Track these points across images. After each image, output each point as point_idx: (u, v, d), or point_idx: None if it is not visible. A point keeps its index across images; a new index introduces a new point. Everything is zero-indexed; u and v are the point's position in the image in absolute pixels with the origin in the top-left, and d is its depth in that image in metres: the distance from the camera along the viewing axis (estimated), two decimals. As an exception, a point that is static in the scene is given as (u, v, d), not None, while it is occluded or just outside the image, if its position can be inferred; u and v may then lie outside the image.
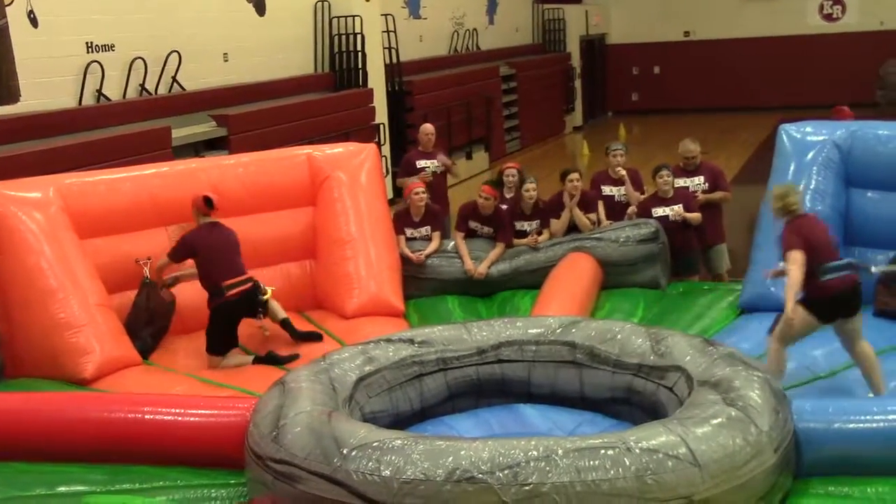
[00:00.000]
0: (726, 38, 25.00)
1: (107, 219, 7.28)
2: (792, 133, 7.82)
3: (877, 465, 4.68)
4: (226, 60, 12.53)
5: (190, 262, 7.13)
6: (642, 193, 8.57)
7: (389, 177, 13.14)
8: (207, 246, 6.95)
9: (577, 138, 22.08)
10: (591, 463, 4.07)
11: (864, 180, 7.52)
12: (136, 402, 5.45)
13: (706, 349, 5.24)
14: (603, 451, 4.12)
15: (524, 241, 8.32)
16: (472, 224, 8.43)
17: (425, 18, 18.25)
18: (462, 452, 4.15)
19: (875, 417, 4.75)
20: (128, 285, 7.16)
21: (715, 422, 4.40)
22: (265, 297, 7.08)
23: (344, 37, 14.48)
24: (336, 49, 14.53)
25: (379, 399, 5.42)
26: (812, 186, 7.47)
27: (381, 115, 14.77)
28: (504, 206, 8.51)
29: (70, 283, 6.76)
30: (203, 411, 5.33)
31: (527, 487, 4.01)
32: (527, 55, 22.07)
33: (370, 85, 14.58)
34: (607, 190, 8.64)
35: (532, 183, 8.36)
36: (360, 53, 14.44)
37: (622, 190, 8.56)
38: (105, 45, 10.49)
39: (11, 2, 9.09)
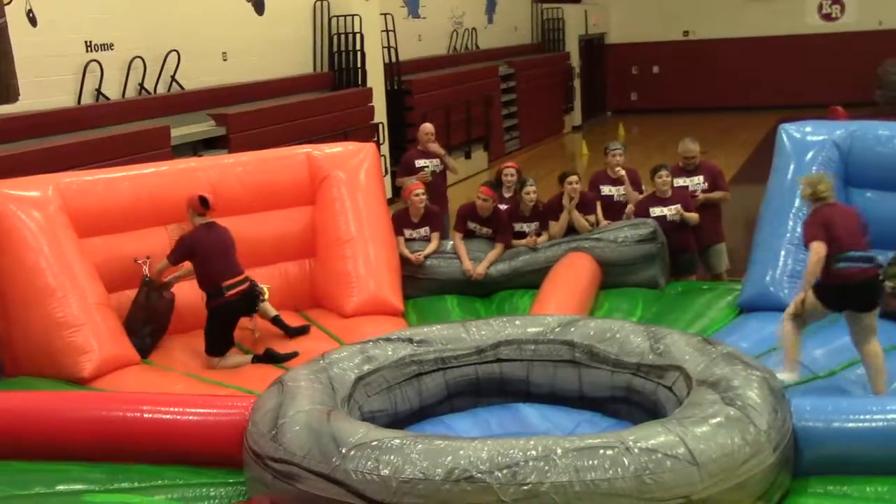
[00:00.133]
0: (725, 38, 25.01)
1: (106, 218, 7.28)
2: (791, 133, 7.82)
3: (875, 465, 4.68)
4: (225, 60, 12.53)
5: (186, 262, 7.12)
6: (641, 193, 8.58)
7: (388, 176, 13.14)
8: (206, 247, 6.94)
9: (576, 138, 22.08)
10: (590, 463, 4.07)
11: (864, 180, 7.52)
12: (135, 401, 5.44)
13: (705, 348, 5.24)
14: (602, 451, 4.12)
15: (523, 241, 8.32)
16: (471, 225, 8.43)
17: (424, 18, 18.25)
18: (461, 452, 4.15)
19: (874, 417, 4.75)
20: (127, 284, 7.16)
21: (714, 421, 4.40)
22: (265, 297, 7.09)
23: (343, 36, 14.47)
24: (335, 48, 14.53)
25: (378, 398, 5.42)
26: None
27: (380, 115, 14.76)
28: (503, 207, 8.51)
29: (69, 282, 6.76)
30: (202, 410, 5.33)
31: (525, 487, 4.01)
32: (526, 55, 22.07)
33: (369, 84, 14.58)
34: (606, 190, 8.64)
35: (532, 186, 8.36)
36: (359, 53, 14.44)
37: (621, 190, 8.57)
38: (104, 45, 10.49)
39: (10, 1, 9.08)
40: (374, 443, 4.28)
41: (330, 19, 14.43)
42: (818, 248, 5.78)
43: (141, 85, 10.99)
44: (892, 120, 8.26)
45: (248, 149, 9.48)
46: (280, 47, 13.58)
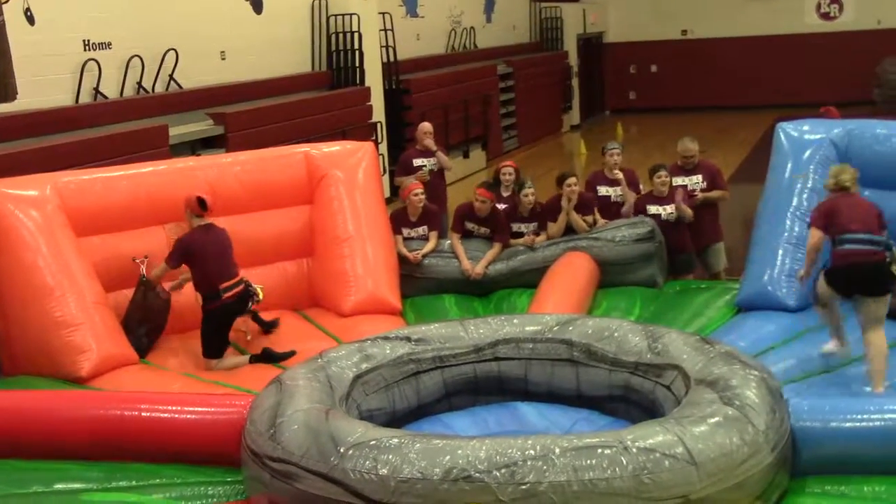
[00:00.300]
0: (724, 37, 25.01)
1: (104, 217, 7.27)
2: (789, 131, 7.82)
3: (873, 465, 4.68)
4: (223, 58, 12.52)
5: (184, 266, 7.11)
6: (638, 194, 8.57)
7: (387, 175, 13.14)
8: (203, 249, 6.91)
9: (574, 137, 22.07)
10: (589, 462, 4.07)
11: (861, 179, 7.44)
12: (133, 400, 5.44)
13: (703, 347, 5.24)
14: (600, 451, 4.12)
15: (521, 240, 8.32)
16: (469, 225, 8.43)
17: (423, 17, 18.24)
18: (459, 451, 4.15)
19: (872, 417, 4.76)
20: (125, 283, 7.15)
21: (712, 421, 4.40)
22: (258, 298, 7.07)
23: (341, 35, 14.46)
24: (333, 47, 14.52)
25: (376, 397, 5.42)
26: (809, 185, 7.48)
27: (379, 114, 14.75)
28: (501, 206, 8.51)
29: (67, 282, 6.75)
30: (200, 409, 5.33)
31: (524, 486, 4.01)
32: (524, 54, 22.07)
33: (367, 83, 14.57)
34: (603, 190, 8.64)
35: (531, 188, 8.36)
36: (357, 52, 14.42)
37: (618, 190, 8.57)
38: (102, 43, 10.48)
39: (8, -1, 9.08)
40: (373, 442, 4.27)
41: (328, 18, 14.42)
42: (812, 234, 6.18)
43: (139, 84, 10.98)
44: (890, 119, 8.26)
45: (247, 148, 9.48)
46: (278, 46, 13.57)
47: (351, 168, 8.23)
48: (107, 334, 6.75)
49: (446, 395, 5.72)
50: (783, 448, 4.55)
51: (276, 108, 12.49)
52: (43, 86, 9.66)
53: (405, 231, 8.40)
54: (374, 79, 14.77)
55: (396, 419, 5.46)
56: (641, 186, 8.79)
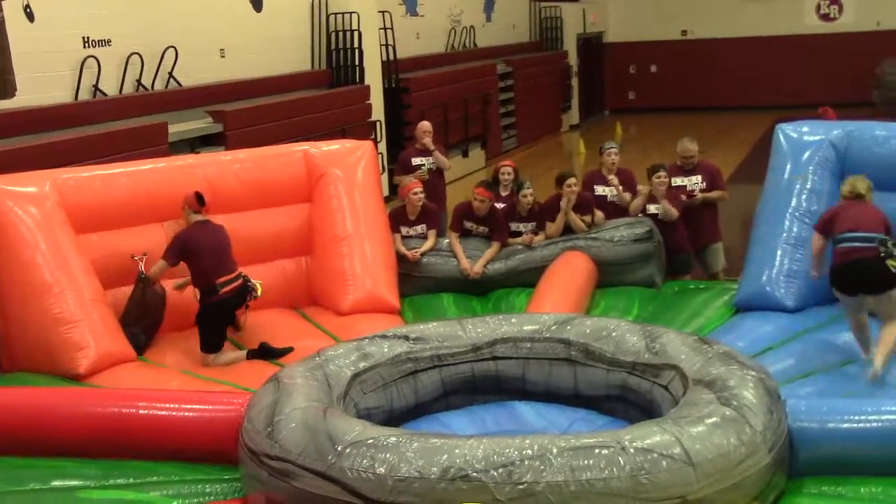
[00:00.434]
0: (723, 38, 25.02)
1: (103, 214, 7.27)
2: (789, 132, 7.83)
3: (870, 465, 4.69)
4: (222, 56, 12.51)
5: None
6: (635, 194, 8.55)
7: (386, 174, 13.13)
8: (200, 244, 6.92)
9: (573, 136, 22.08)
10: (586, 462, 4.07)
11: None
12: (131, 398, 5.44)
13: (701, 348, 5.24)
14: (597, 451, 4.12)
15: (519, 239, 8.32)
16: (468, 224, 8.43)
17: (422, 16, 18.23)
18: (457, 451, 4.15)
19: (869, 417, 4.76)
20: (124, 281, 7.15)
21: (709, 421, 4.40)
22: (257, 292, 7.06)
23: (341, 33, 14.45)
24: (333, 46, 14.51)
25: (374, 395, 5.42)
26: (808, 186, 7.48)
27: (378, 112, 14.75)
28: (500, 205, 8.51)
29: (66, 279, 6.75)
30: (198, 406, 5.32)
31: (521, 486, 4.01)
32: (524, 53, 22.06)
33: (367, 82, 14.57)
34: (600, 190, 8.64)
35: (529, 189, 8.36)
36: (356, 50, 14.42)
37: (614, 191, 8.56)
38: (101, 41, 10.47)
39: (8, -4, 9.07)
40: (370, 441, 4.27)
41: (328, 16, 14.41)
42: (814, 239, 6.46)
43: (138, 81, 10.97)
44: (889, 120, 8.26)
45: (246, 146, 9.48)
46: (278, 44, 13.56)
47: (350, 167, 8.22)
48: (105, 331, 6.75)
49: (444, 394, 5.72)
50: (780, 449, 4.55)
51: (276, 107, 12.49)
52: (42, 83, 9.65)
53: (404, 230, 8.40)
54: (373, 77, 14.77)
55: (394, 418, 5.46)
56: (640, 187, 8.78)
